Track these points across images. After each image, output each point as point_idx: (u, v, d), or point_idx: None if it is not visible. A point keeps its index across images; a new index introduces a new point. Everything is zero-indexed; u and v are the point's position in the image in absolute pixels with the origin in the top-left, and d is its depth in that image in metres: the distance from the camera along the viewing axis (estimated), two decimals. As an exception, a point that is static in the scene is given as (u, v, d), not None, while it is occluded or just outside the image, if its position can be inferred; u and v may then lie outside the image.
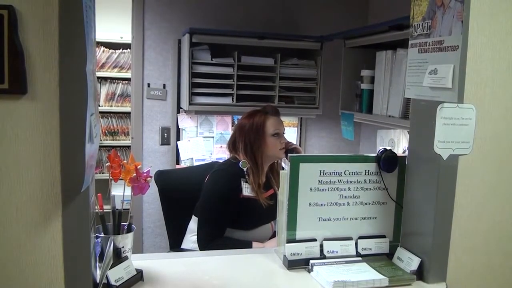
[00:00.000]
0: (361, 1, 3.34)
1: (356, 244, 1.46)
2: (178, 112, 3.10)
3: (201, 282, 1.30)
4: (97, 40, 1.43)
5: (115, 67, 4.07)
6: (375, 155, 1.47)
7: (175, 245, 2.28)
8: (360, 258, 1.43)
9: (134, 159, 1.31)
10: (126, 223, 1.33)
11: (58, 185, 1.02)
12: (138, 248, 3.10)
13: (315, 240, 1.44)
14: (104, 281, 1.17)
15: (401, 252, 1.41)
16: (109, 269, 1.19)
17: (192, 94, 2.81)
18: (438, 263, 1.32)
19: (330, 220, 1.45)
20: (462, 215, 1.32)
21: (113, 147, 3.96)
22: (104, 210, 1.31)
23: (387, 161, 1.45)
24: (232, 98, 2.86)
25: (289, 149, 2.14)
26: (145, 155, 3.13)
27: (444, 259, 1.32)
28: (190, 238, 2.14)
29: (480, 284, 1.38)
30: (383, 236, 1.49)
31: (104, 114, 4.06)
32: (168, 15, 3.03)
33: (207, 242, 1.98)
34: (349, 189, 1.46)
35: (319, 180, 1.43)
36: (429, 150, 1.28)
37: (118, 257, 1.26)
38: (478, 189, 1.33)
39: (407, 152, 1.45)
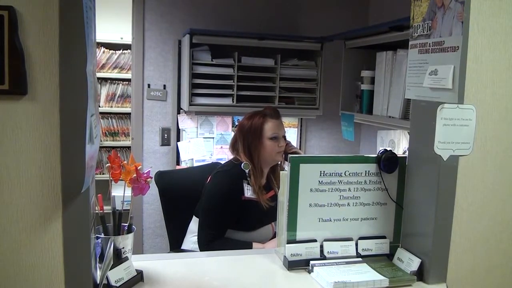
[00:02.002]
0: (361, 2, 3.34)
1: (357, 244, 1.46)
2: (178, 112, 3.10)
3: (201, 282, 1.30)
4: (97, 40, 1.43)
5: (115, 67, 4.07)
6: (375, 155, 1.47)
7: (176, 245, 2.28)
8: (360, 259, 1.43)
9: (134, 159, 1.31)
10: (126, 224, 1.33)
11: (59, 186, 1.02)
12: (138, 248, 3.10)
13: (315, 240, 1.44)
14: (105, 281, 1.17)
15: (401, 253, 1.41)
16: (109, 269, 1.19)
17: (192, 95, 2.81)
18: (438, 264, 1.32)
19: (330, 220, 1.45)
20: (462, 215, 1.32)
21: (113, 147, 3.96)
22: (104, 211, 1.31)
23: (388, 162, 1.45)
24: (233, 99, 2.86)
25: (289, 152, 2.13)
26: (145, 156, 3.13)
27: (444, 260, 1.32)
28: (191, 239, 2.14)
29: (480, 285, 1.38)
30: (383, 237, 1.49)
31: (104, 114, 4.06)
32: (168, 16, 3.03)
33: (207, 243, 1.98)
34: (349, 189, 1.45)
35: (319, 181, 1.43)
36: (429, 151, 1.28)
37: (119, 257, 1.26)
38: (479, 190, 1.33)
39: (407, 153, 1.45)
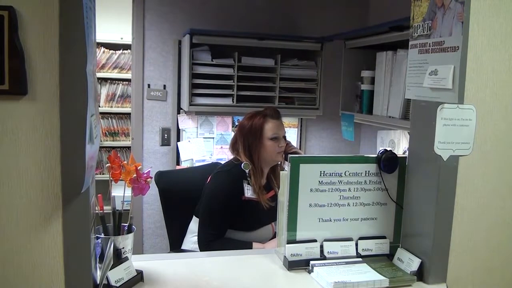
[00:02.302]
0: (361, 2, 3.34)
1: (357, 245, 1.46)
2: (179, 113, 3.10)
3: (201, 283, 1.30)
4: (97, 41, 1.43)
5: (115, 68, 4.07)
6: (375, 156, 1.47)
7: (176, 246, 2.28)
8: (360, 259, 1.43)
9: (134, 159, 1.31)
10: (127, 224, 1.33)
11: (59, 186, 1.02)
12: (138, 249, 3.10)
13: (315, 241, 1.44)
14: (105, 282, 1.17)
15: (401, 253, 1.41)
16: (110, 270, 1.19)
17: (192, 95, 2.81)
18: (439, 264, 1.32)
19: (330, 221, 1.45)
20: (462, 216, 1.32)
21: (113, 148, 3.96)
22: (105, 211, 1.30)
23: (388, 162, 1.45)
24: (233, 99, 2.86)
25: (289, 152, 2.13)
26: (145, 156, 3.13)
27: (444, 260, 1.32)
28: (191, 239, 2.14)
29: (480, 285, 1.38)
30: (384, 237, 1.49)
31: (104, 115, 4.06)
32: (168, 16, 3.03)
33: (207, 243, 1.99)
34: (349, 189, 1.45)
35: (319, 181, 1.43)
36: (429, 151, 1.28)
37: (119, 258, 1.26)
38: (479, 190, 1.33)
39: (407, 153, 1.45)
